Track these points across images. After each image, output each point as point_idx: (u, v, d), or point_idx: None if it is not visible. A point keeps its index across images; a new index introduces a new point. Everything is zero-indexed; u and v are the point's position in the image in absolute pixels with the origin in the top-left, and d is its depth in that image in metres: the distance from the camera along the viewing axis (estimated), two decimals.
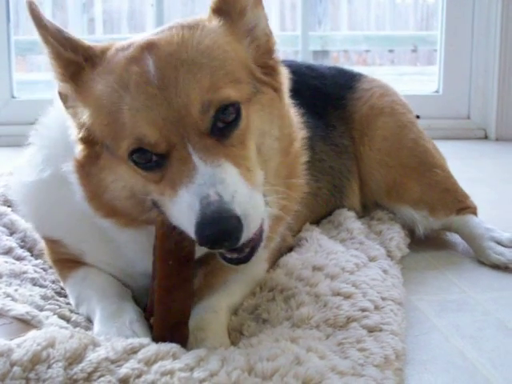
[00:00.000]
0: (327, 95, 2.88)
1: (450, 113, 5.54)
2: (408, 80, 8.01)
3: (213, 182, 1.55)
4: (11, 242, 2.36)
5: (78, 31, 8.31)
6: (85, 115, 1.73)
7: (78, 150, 1.78)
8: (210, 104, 1.62)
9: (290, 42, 7.53)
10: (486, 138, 5.48)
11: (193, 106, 1.60)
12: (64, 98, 1.80)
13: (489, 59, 5.38)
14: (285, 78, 1.96)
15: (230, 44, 1.78)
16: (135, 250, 1.91)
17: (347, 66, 3.27)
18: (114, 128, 1.65)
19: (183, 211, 1.58)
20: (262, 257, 2.09)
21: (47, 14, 8.29)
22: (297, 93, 2.77)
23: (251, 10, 1.86)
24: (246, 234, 1.57)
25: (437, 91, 5.66)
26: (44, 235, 2.13)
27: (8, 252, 2.32)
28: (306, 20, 5.92)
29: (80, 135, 1.76)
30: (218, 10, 1.82)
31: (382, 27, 9.77)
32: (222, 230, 1.52)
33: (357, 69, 3.19)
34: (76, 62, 1.73)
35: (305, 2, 5.84)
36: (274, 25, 7.78)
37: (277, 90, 1.87)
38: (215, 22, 1.79)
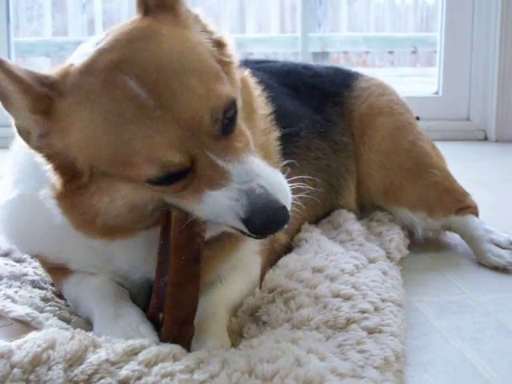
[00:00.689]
0: (325, 92, 2.87)
1: (449, 114, 5.55)
2: (408, 81, 8.02)
3: (251, 178, 1.60)
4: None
5: (77, 32, 8.33)
6: (63, 146, 1.66)
7: (58, 181, 1.71)
8: (218, 109, 1.61)
9: (290, 44, 7.55)
10: (485, 139, 5.48)
11: (202, 117, 1.59)
12: (25, 134, 1.71)
13: (488, 61, 5.38)
14: (231, 48, 1.89)
15: (190, 37, 1.73)
16: (129, 260, 1.90)
17: (347, 67, 3.26)
18: (119, 156, 1.60)
19: (224, 203, 1.60)
20: (253, 249, 2.09)
21: (47, 15, 8.32)
22: (294, 90, 2.78)
23: None
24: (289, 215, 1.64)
25: (436, 93, 5.66)
26: (24, 252, 2.15)
27: (8, 254, 2.32)
28: (305, 22, 5.93)
29: (56, 165, 1.69)
30: (160, 6, 1.75)
31: (382, 29, 9.79)
32: (274, 221, 1.59)
33: (356, 70, 3.19)
34: (45, 95, 1.64)
35: (305, 4, 5.85)
36: (274, 26, 7.81)
37: (230, 63, 1.83)
38: (162, 21, 1.72)
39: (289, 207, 1.64)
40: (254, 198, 1.57)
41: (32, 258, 2.23)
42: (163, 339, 1.70)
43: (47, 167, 1.71)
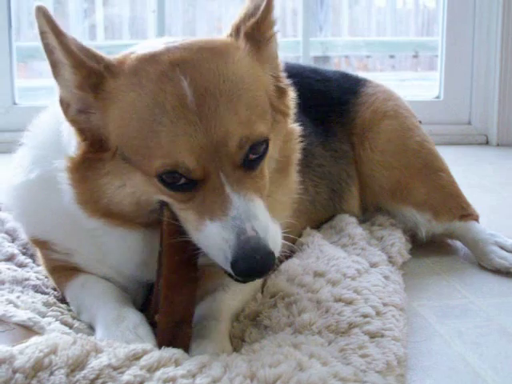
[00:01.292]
0: (331, 100, 2.88)
1: (451, 118, 5.55)
2: (409, 86, 8.01)
3: (248, 217, 1.62)
4: (13, 248, 2.37)
5: (79, 37, 8.32)
6: (100, 123, 1.73)
7: (79, 150, 1.77)
8: (247, 140, 1.67)
9: (292, 48, 7.55)
10: (487, 143, 5.49)
11: (231, 139, 1.64)
12: (66, 106, 1.79)
13: (490, 65, 5.39)
14: (292, 100, 1.99)
15: (258, 73, 1.81)
16: (122, 252, 1.92)
17: (349, 72, 3.27)
18: (144, 144, 1.66)
19: (215, 242, 1.64)
20: None
21: None
22: (299, 96, 2.78)
23: (275, 35, 1.91)
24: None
25: (438, 97, 5.66)
26: (32, 236, 2.14)
27: (10, 259, 2.32)
28: (307, 26, 5.93)
29: (87, 138, 1.76)
30: (249, 36, 1.84)
31: (383, 33, 9.79)
32: (259, 267, 1.60)
33: (358, 74, 3.19)
34: (98, 72, 1.72)
35: (306, 8, 5.85)
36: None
37: (285, 114, 1.92)
38: (243, 48, 1.81)
39: (276, 255, 1.64)
40: (243, 241, 1.59)
41: (38, 247, 2.21)
42: (158, 341, 1.71)
43: (74, 138, 1.78)
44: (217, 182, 1.65)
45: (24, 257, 2.33)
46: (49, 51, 1.72)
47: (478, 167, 4.62)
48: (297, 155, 2.08)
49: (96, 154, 1.75)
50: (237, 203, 1.63)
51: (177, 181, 1.66)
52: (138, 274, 1.96)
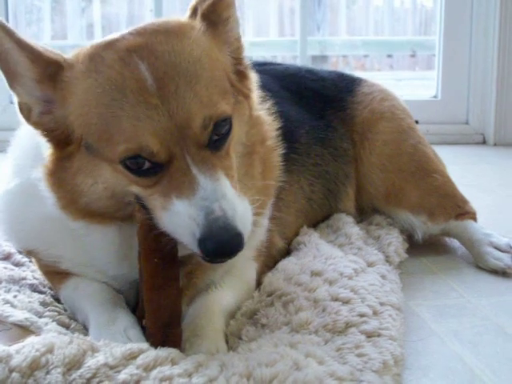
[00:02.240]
0: (327, 97, 2.88)
1: (448, 118, 5.55)
2: (406, 85, 8.01)
3: (215, 197, 1.61)
4: (10, 247, 2.36)
5: (76, 36, 8.32)
6: (61, 115, 1.73)
7: (48, 153, 1.78)
8: (210, 119, 1.66)
9: (289, 48, 7.55)
10: (484, 143, 5.49)
11: (194, 120, 1.64)
12: (27, 111, 1.79)
13: (487, 64, 5.39)
14: (254, 83, 1.99)
15: (215, 53, 1.80)
16: (104, 250, 1.91)
17: (346, 71, 3.27)
18: (106, 130, 1.65)
19: (182, 221, 1.62)
20: (247, 256, 2.11)
21: (46, 19, 8.32)
22: (297, 95, 2.79)
23: (233, 17, 1.90)
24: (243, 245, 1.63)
25: (435, 96, 5.67)
26: (19, 247, 2.16)
27: (7, 258, 2.31)
28: (304, 25, 5.93)
29: (52, 137, 1.76)
30: (205, 16, 1.83)
31: (381, 32, 9.79)
32: (228, 247, 1.59)
33: (355, 74, 3.20)
34: (55, 61, 1.72)
35: (303, 8, 5.86)
36: (272, 30, 7.79)
37: (247, 96, 1.91)
38: (198, 28, 1.80)
39: (246, 236, 1.63)
40: (211, 221, 1.58)
41: (28, 256, 2.22)
42: (150, 344, 1.69)
43: (42, 141, 1.79)
44: (183, 164, 1.64)
45: (21, 256, 2.33)
46: (2, 60, 1.72)
47: (475, 167, 4.63)
48: (264, 142, 2.04)
49: (63, 150, 1.75)
50: (204, 183, 1.61)
51: (141, 166, 1.65)
52: (121, 274, 1.95)
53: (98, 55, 1.71)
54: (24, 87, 1.76)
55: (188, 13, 1.86)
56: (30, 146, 1.95)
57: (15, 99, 1.80)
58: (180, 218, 1.62)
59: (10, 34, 1.68)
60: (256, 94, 2.00)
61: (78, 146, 1.73)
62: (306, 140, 2.67)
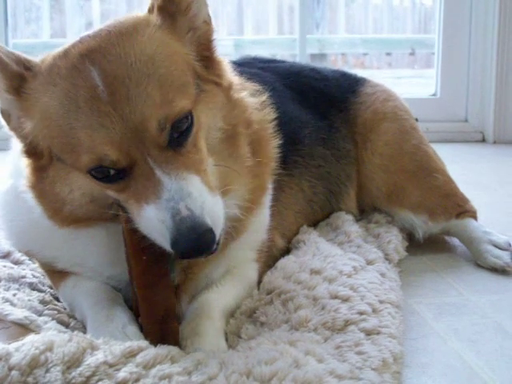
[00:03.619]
0: (330, 97, 2.88)
1: (447, 116, 5.55)
2: (406, 83, 8.02)
3: (181, 197, 1.59)
4: (10, 246, 2.35)
5: (75, 34, 8.32)
6: (29, 127, 1.72)
7: (25, 164, 1.79)
8: (166, 120, 1.63)
9: (288, 46, 7.54)
10: (483, 140, 5.49)
11: (149, 123, 1.61)
12: (7, 116, 1.79)
13: (486, 62, 5.39)
14: (225, 66, 1.93)
15: (172, 47, 1.76)
16: (97, 254, 1.92)
17: (345, 69, 3.27)
18: (67, 142, 1.65)
19: (154, 225, 1.62)
20: (249, 257, 2.12)
21: (45, 17, 8.32)
22: (300, 94, 2.79)
23: (196, 1, 1.84)
24: (217, 240, 1.63)
25: (434, 94, 5.66)
26: (17, 249, 2.17)
27: (6, 256, 2.31)
28: (303, 23, 5.93)
29: (25, 148, 1.76)
30: (162, 9, 1.79)
31: (380, 30, 9.79)
32: (199, 244, 1.57)
33: (354, 72, 3.19)
34: (18, 74, 1.71)
35: (302, 6, 5.85)
36: (272, 28, 7.77)
37: (218, 83, 1.86)
38: (154, 24, 1.76)
39: (218, 231, 1.62)
40: (178, 222, 1.57)
41: (27, 256, 2.22)
42: (149, 342, 1.69)
43: (20, 152, 1.79)
44: (145, 168, 1.62)
45: (20, 254, 2.32)
46: None
47: (474, 164, 4.63)
48: (250, 126, 1.99)
49: (37, 161, 1.75)
50: (168, 185, 1.60)
51: (107, 174, 1.64)
52: (115, 274, 1.95)
53: (56, 65, 1.69)
54: (1, 94, 1.76)
55: (147, 8, 1.82)
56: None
57: None
58: (151, 223, 1.62)
59: None
60: (231, 76, 1.95)
61: (49, 157, 1.73)
62: (309, 141, 2.67)
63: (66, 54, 1.70)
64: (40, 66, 1.72)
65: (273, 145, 2.11)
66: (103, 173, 1.64)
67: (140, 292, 1.74)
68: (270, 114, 2.12)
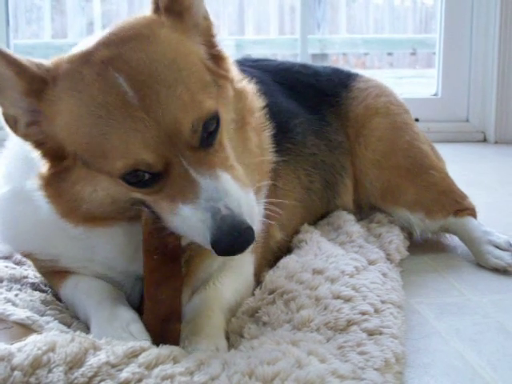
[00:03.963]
0: (322, 92, 2.87)
1: (448, 116, 5.55)
2: (407, 83, 8.02)
3: (219, 196, 1.61)
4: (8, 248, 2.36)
5: (76, 35, 8.33)
6: (51, 131, 1.71)
7: (43, 166, 1.76)
8: (199, 121, 1.65)
9: (289, 46, 7.55)
10: (485, 140, 5.48)
11: (182, 125, 1.63)
12: (13, 122, 1.76)
13: (487, 62, 5.39)
14: (230, 62, 1.95)
15: (188, 46, 1.78)
16: (111, 249, 1.91)
17: (346, 68, 3.27)
18: (98, 148, 1.64)
19: (192, 224, 1.63)
20: None
21: (46, 17, 8.32)
22: (291, 89, 2.79)
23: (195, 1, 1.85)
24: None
25: (436, 94, 5.66)
26: (16, 250, 2.15)
27: (8, 257, 2.32)
28: (305, 23, 5.93)
29: (44, 151, 1.74)
30: (169, 9, 1.80)
31: (381, 30, 9.79)
32: (240, 243, 1.61)
33: (356, 71, 3.19)
34: (39, 77, 1.70)
35: (304, 6, 5.85)
36: (273, 28, 7.77)
37: (226, 77, 1.88)
38: (166, 24, 1.77)
39: (255, 228, 1.65)
40: (219, 221, 1.59)
41: (25, 258, 2.21)
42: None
43: (35, 154, 1.76)
44: (180, 169, 1.64)
45: None
46: None
47: (475, 165, 4.62)
48: (252, 112, 2.02)
49: (59, 165, 1.74)
50: (205, 185, 1.62)
51: (141, 178, 1.65)
52: (130, 267, 1.95)
53: (77, 72, 1.68)
54: (8, 99, 1.72)
55: (150, 7, 1.83)
56: (20, 154, 1.93)
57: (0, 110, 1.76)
58: (190, 222, 1.63)
59: None
60: (234, 69, 1.97)
61: (73, 160, 1.72)
62: (300, 130, 2.67)
63: (85, 60, 1.69)
64: (56, 70, 1.71)
65: (267, 128, 2.13)
66: (137, 177, 1.65)
67: (146, 289, 1.75)
68: (260, 101, 2.13)
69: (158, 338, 1.70)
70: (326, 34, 8.86)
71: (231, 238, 1.59)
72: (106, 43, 1.72)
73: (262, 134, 2.11)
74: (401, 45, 9.24)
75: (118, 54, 1.67)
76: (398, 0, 10.26)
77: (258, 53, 7.79)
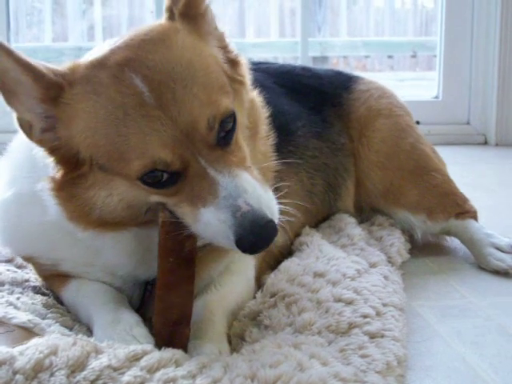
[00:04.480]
0: (323, 93, 2.88)
1: (449, 118, 5.55)
2: (407, 86, 8.02)
3: (238, 193, 1.62)
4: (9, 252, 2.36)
5: (77, 38, 8.34)
6: (68, 135, 1.71)
7: (57, 171, 1.76)
8: (215, 119, 1.66)
9: (290, 49, 7.55)
10: (485, 143, 5.48)
11: (199, 123, 1.64)
12: (28, 127, 1.75)
13: (488, 64, 5.39)
14: (245, 68, 1.97)
15: (204, 50, 1.80)
16: (117, 254, 1.91)
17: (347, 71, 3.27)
18: (115, 149, 1.65)
19: (214, 227, 1.64)
20: None
21: (47, 21, 8.33)
22: (292, 91, 2.79)
23: (209, 7, 1.88)
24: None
25: (436, 97, 5.66)
26: (17, 253, 2.15)
27: (10, 260, 2.31)
28: (305, 26, 5.93)
29: (59, 157, 1.74)
30: (184, 15, 1.83)
31: (382, 33, 9.81)
32: (264, 237, 1.62)
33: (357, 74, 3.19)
34: (56, 83, 1.70)
35: (304, 9, 5.86)
36: (273, 31, 7.78)
37: (242, 82, 1.90)
38: (181, 30, 1.79)
39: (276, 220, 1.65)
40: (240, 218, 1.60)
41: (26, 262, 2.21)
42: (156, 342, 1.71)
43: (49, 160, 1.76)
44: (198, 168, 1.64)
45: None
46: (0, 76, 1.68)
47: (476, 167, 4.63)
48: (262, 122, 2.06)
49: (75, 171, 1.74)
50: (223, 182, 1.63)
51: (159, 179, 1.65)
52: (134, 273, 1.95)
53: (94, 76, 1.69)
54: (24, 104, 1.72)
55: (165, 15, 1.85)
56: (25, 157, 1.94)
57: (14, 115, 1.75)
58: (212, 226, 1.64)
59: (8, 52, 1.66)
60: (248, 77, 1.99)
61: (89, 166, 1.72)
62: (302, 133, 2.67)
63: (101, 63, 1.71)
64: (72, 75, 1.72)
65: (270, 139, 2.14)
66: (155, 178, 1.65)
67: (159, 292, 1.74)
68: (265, 111, 2.14)
69: (166, 342, 1.70)
70: (326, 36, 8.87)
71: (254, 234, 1.59)
72: (121, 47, 1.74)
73: (266, 143, 2.12)
74: (401, 47, 9.24)
75: (134, 57, 1.69)
76: (398, 3, 10.27)
77: (258, 56, 7.79)
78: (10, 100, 1.71)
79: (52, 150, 1.75)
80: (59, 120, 1.72)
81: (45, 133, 1.74)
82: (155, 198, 1.72)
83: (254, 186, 1.66)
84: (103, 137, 1.66)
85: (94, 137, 1.67)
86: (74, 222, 1.81)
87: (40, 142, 1.76)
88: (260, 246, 1.64)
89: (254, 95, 2.04)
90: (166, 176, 1.65)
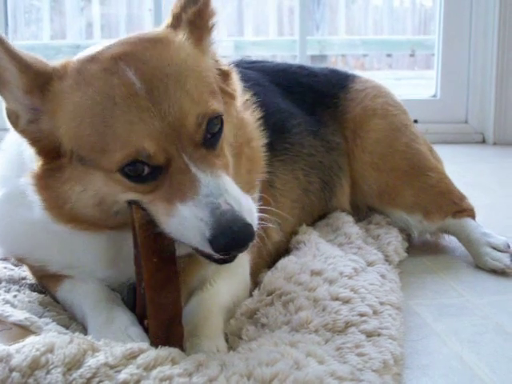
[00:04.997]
0: (319, 93, 2.87)
1: (447, 117, 5.55)
2: (406, 84, 8.02)
3: (220, 192, 1.61)
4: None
5: (75, 36, 8.33)
6: (51, 127, 1.72)
7: (38, 163, 1.77)
8: (204, 117, 1.66)
9: (288, 47, 7.55)
10: (483, 142, 5.49)
11: (187, 118, 1.64)
12: (14, 117, 1.77)
13: (486, 63, 5.39)
14: (237, 83, 1.99)
15: (200, 56, 1.82)
16: (91, 255, 1.91)
17: (344, 69, 3.27)
18: (100, 140, 1.65)
19: (190, 224, 1.61)
20: None
21: (45, 19, 8.32)
22: (287, 89, 2.79)
23: (215, 25, 1.91)
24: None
25: (434, 95, 5.66)
26: (9, 254, 2.16)
27: (7, 258, 2.31)
28: (303, 25, 5.93)
29: (40, 147, 1.75)
30: (192, 23, 1.85)
31: (380, 32, 9.80)
32: (239, 238, 1.59)
33: (353, 72, 3.19)
34: (44, 73, 1.71)
35: (303, 7, 5.85)
36: (272, 30, 7.78)
37: (232, 96, 1.92)
38: (182, 36, 1.81)
39: (255, 227, 1.63)
40: (219, 215, 1.58)
41: (19, 262, 2.21)
42: (153, 344, 1.69)
43: (31, 151, 1.77)
44: (181, 164, 1.63)
45: None
46: None
47: (474, 166, 4.63)
48: (250, 143, 2.05)
49: (53, 163, 1.74)
50: (205, 180, 1.61)
51: (140, 172, 1.64)
52: (109, 276, 1.95)
53: (85, 68, 1.70)
54: (12, 94, 1.74)
55: (170, 20, 1.87)
56: (15, 157, 1.94)
57: (3, 104, 1.77)
58: (187, 222, 1.61)
59: None
60: (240, 95, 2.00)
61: (69, 159, 1.72)
62: (298, 130, 2.67)
63: (94, 58, 1.72)
64: (65, 68, 1.73)
65: (262, 151, 2.13)
66: (136, 171, 1.64)
67: (148, 294, 1.73)
68: (257, 114, 2.15)
69: (163, 343, 1.68)
70: (324, 35, 8.88)
71: (230, 232, 1.56)
72: (117, 44, 1.76)
73: (258, 151, 2.11)
74: (400, 46, 9.25)
75: (130, 51, 1.71)
76: (397, 1, 10.27)
77: (256, 54, 7.80)
78: (0, 89, 1.73)
79: (34, 141, 1.75)
80: (44, 112, 1.73)
81: (30, 124, 1.75)
82: (130, 195, 1.71)
83: (235, 189, 1.66)
84: (88, 126, 1.66)
85: (80, 126, 1.67)
86: (48, 212, 1.80)
87: (23, 132, 1.77)
88: (234, 247, 1.60)
89: (247, 115, 2.04)
90: (147, 170, 1.64)
